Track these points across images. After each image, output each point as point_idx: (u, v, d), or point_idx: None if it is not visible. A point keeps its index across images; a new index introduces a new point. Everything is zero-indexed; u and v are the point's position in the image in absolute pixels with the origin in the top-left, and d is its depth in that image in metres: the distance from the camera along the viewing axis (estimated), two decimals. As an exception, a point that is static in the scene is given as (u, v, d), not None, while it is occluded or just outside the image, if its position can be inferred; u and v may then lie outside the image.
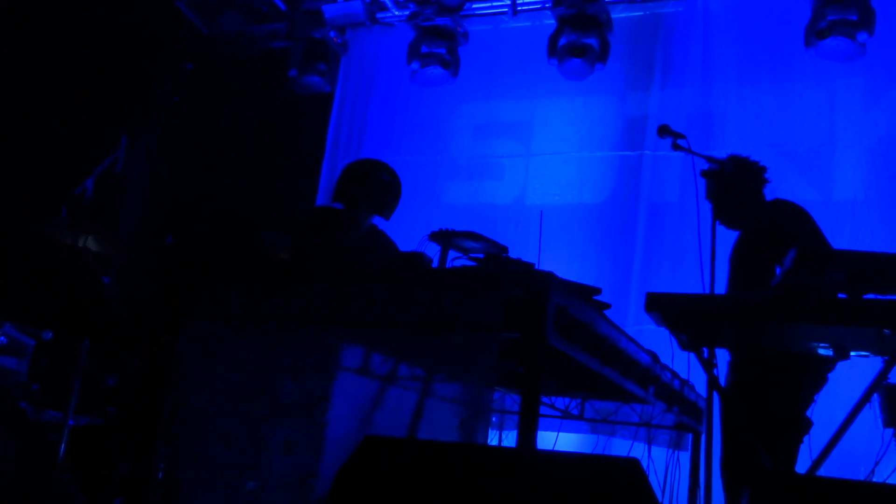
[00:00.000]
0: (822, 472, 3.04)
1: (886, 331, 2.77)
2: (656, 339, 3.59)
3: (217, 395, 2.97)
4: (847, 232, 5.51)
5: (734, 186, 3.47)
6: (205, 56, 7.38)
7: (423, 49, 6.88)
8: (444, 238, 3.53)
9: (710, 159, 3.27)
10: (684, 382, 3.84)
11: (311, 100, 7.42)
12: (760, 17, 6.24)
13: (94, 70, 6.52)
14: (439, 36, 6.87)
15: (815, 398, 3.43)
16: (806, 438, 3.12)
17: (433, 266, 3.29)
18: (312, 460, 2.72)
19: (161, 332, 3.41)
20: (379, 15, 7.37)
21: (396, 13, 7.33)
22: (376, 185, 4.11)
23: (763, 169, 3.75)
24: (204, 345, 3.04)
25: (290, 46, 7.33)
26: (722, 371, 3.28)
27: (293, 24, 7.36)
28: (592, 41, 6.31)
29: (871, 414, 3.14)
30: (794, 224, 3.57)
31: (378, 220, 4.27)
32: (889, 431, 3.04)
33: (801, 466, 3.16)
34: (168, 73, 7.31)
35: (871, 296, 2.83)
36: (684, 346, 3.33)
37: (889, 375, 3.00)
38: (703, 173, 3.61)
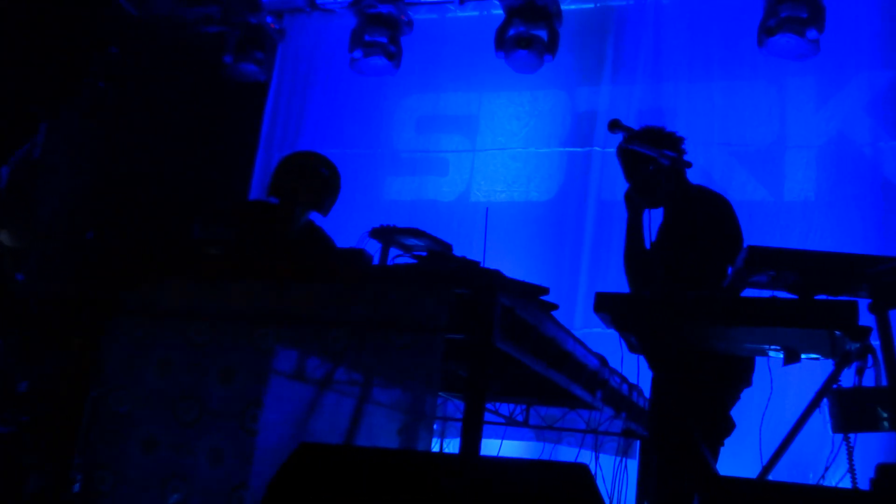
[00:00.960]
0: (772, 476, 3.09)
1: (838, 332, 2.83)
2: (605, 342, 3.61)
3: (140, 398, 2.89)
4: (797, 232, 5.64)
5: (664, 170, 3.49)
6: (133, 40, 7.19)
7: (367, 37, 6.82)
8: (386, 235, 3.51)
9: (662, 155, 3.29)
10: (633, 387, 3.87)
11: (246, 88, 7.30)
12: (713, 13, 6.35)
13: (11, 53, 6.30)
14: (382, 24, 6.82)
15: (740, 397, 3.49)
16: (756, 442, 3.17)
17: (374, 264, 3.25)
18: (242, 470, 2.66)
19: (79, 332, 3.30)
20: (319, 0, 7.28)
21: (338, -1, 7.27)
22: (314, 179, 4.06)
23: (683, 150, 3.78)
24: (127, 345, 2.96)
25: (225, 31, 7.20)
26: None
27: (228, 7, 7.22)
28: (541, 33, 6.34)
29: (821, 418, 3.20)
30: (724, 218, 3.61)
31: (315, 216, 4.21)
32: (839, 436, 3.10)
33: (752, 471, 3.21)
34: (93, 56, 7.10)
35: (821, 297, 2.88)
36: (633, 348, 3.35)
37: (839, 379, 3.07)
38: (626, 152, 3.61)
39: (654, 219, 3.57)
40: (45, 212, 6.48)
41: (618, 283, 4.00)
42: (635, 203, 3.62)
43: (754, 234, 3.65)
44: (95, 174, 6.86)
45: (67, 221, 6.52)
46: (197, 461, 2.74)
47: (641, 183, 3.62)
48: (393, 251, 3.48)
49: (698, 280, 3.47)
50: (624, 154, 3.70)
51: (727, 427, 3.47)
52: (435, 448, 3.35)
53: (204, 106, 7.19)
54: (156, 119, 7.13)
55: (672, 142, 3.71)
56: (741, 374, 3.51)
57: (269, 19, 7.29)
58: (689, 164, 3.66)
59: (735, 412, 3.51)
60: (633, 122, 3.52)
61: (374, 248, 3.49)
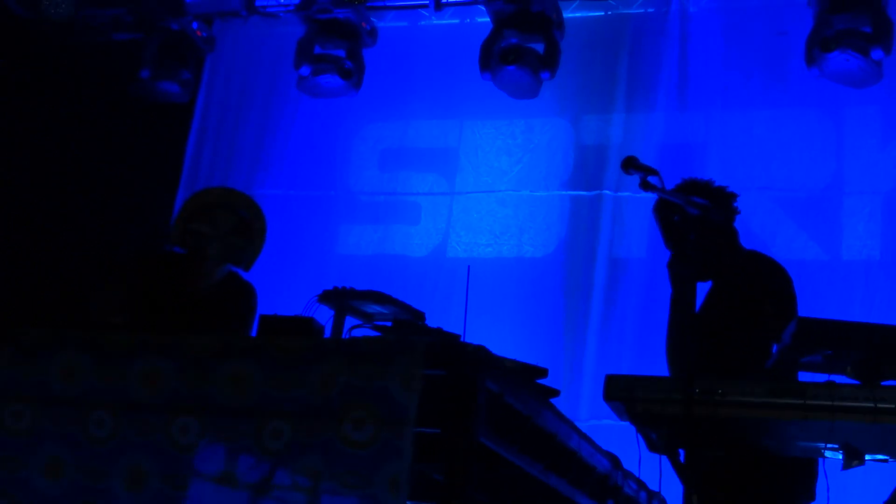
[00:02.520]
0: None
1: (911, 428, 2.88)
2: (618, 437, 3.63)
3: (22, 509, 2.85)
4: (859, 298, 5.73)
5: (710, 230, 3.58)
6: (25, 48, 7.22)
7: (317, 50, 6.90)
8: (340, 299, 3.53)
9: (690, 203, 3.36)
10: (653, 495, 3.89)
11: (166, 109, 7.33)
12: (753, 25, 6.51)
13: None
14: (338, 33, 6.91)
15: None
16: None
17: (325, 336, 3.27)
18: None
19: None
20: (258, 2, 7.37)
21: (282, 1, 7.35)
22: (230, 224, 4.07)
23: (736, 209, 3.90)
24: (7, 439, 2.93)
25: (140, 39, 7.23)
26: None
27: (144, 10, 7.26)
28: (537, 45, 6.45)
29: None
30: (778, 290, 3.71)
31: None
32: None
33: None
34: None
35: (891, 382, 2.94)
36: (653, 447, 3.37)
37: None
38: (664, 210, 3.71)
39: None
40: None
41: (634, 363, 4.05)
42: (678, 273, 3.70)
43: (805, 302, 3.72)
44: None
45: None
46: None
47: (678, 246, 3.70)
48: (349, 321, 3.50)
49: (742, 366, 3.52)
50: (657, 209, 3.79)
51: None
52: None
53: (115, 128, 7.20)
54: (55, 143, 7.14)
55: (718, 195, 3.81)
56: (802, 482, 3.53)
57: (195, 25, 7.33)
58: (728, 217, 3.75)
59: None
60: (653, 159, 3.61)
61: (325, 315, 3.51)
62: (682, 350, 3.69)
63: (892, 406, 2.87)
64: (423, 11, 7.20)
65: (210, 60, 7.57)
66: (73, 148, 7.16)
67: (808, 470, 3.53)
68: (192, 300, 4.07)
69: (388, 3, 7.20)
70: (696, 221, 3.38)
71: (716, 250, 3.66)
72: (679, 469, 3.25)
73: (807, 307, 3.40)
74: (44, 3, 6.99)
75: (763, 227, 5.88)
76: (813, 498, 3.55)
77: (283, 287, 6.55)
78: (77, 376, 2.94)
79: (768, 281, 3.75)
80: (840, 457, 3.22)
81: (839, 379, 3.07)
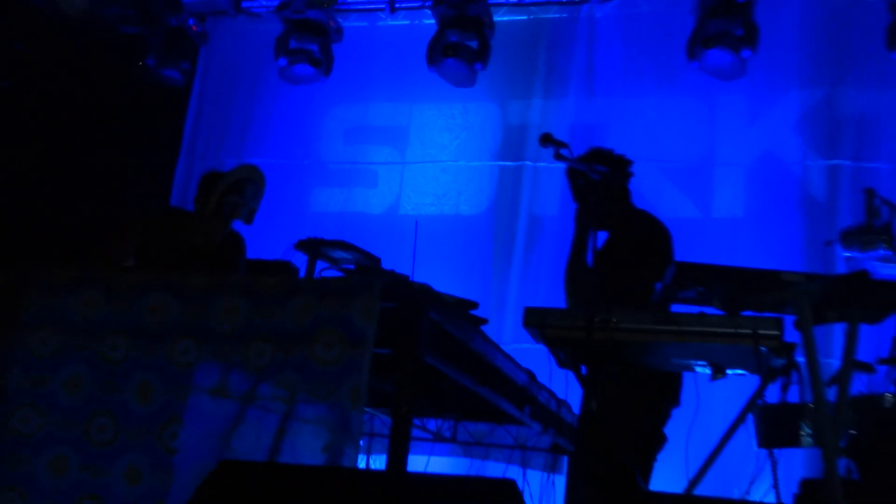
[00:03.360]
0: (699, 491, 3.20)
1: (763, 348, 2.95)
2: (534, 357, 3.68)
3: (49, 417, 2.82)
4: (726, 249, 5.83)
5: (607, 191, 3.62)
6: (43, 37, 7.02)
7: (293, 44, 6.81)
8: (313, 247, 3.51)
9: (592, 170, 3.39)
10: (561, 403, 3.95)
11: (166, 93, 7.19)
12: (646, 28, 6.53)
13: None
14: (310, 31, 6.82)
15: (671, 413, 3.61)
16: (682, 457, 3.27)
17: (300, 276, 3.26)
18: (161, 488, 2.63)
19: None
20: (245, 3, 7.24)
21: (264, 2, 7.23)
22: (252, 194, 4.12)
23: (631, 173, 3.94)
24: (34, 361, 2.89)
25: (144, 33, 7.08)
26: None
27: (147, 7, 7.11)
28: (472, 42, 6.43)
29: (747, 433, 3.33)
30: (659, 241, 3.76)
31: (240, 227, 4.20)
32: (763, 452, 3.22)
33: (678, 486, 3.31)
34: (-1, 57, 6.92)
35: (748, 313, 3.00)
36: (562, 364, 3.43)
37: (764, 394, 3.20)
38: (572, 175, 3.74)
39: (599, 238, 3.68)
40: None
41: (547, 297, 4.10)
42: (580, 223, 3.74)
43: (683, 251, 3.78)
44: (3, 179, 6.67)
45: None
46: (112, 481, 2.69)
47: (583, 201, 3.74)
48: (320, 264, 3.49)
49: (630, 299, 3.57)
50: (568, 174, 3.82)
51: (659, 442, 3.57)
52: (361, 464, 3.36)
53: (121, 109, 7.06)
54: (68, 122, 6.97)
55: (616, 162, 3.84)
56: (671, 393, 3.62)
57: (190, 21, 7.19)
58: (622, 182, 3.79)
59: (663, 428, 3.62)
60: (565, 136, 3.61)
61: (300, 260, 3.49)
62: (580, 283, 3.74)
63: (749, 331, 2.93)
64: (381, 14, 7.11)
65: (204, 52, 7.42)
66: (88, 124, 6.99)
67: (675, 382, 3.61)
68: (202, 248, 4.07)
69: (351, 6, 7.11)
70: (597, 184, 3.42)
71: (611, 206, 3.68)
72: (582, 381, 3.30)
73: (684, 254, 3.45)
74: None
75: (651, 191, 5.91)
76: (678, 403, 3.63)
77: (266, 237, 6.50)
78: (95, 308, 2.91)
79: (651, 233, 3.80)
80: (708, 371, 3.29)
81: (708, 310, 3.13)
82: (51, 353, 2.90)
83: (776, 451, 3.18)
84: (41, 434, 2.81)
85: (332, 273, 3.34)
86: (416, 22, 6.97)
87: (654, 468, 3.54)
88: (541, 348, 3.32)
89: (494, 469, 4.63)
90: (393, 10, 6.96)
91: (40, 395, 2.85)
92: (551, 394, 3.82)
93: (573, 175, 3.78)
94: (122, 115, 7.06)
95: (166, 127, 7.24)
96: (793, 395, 3.11)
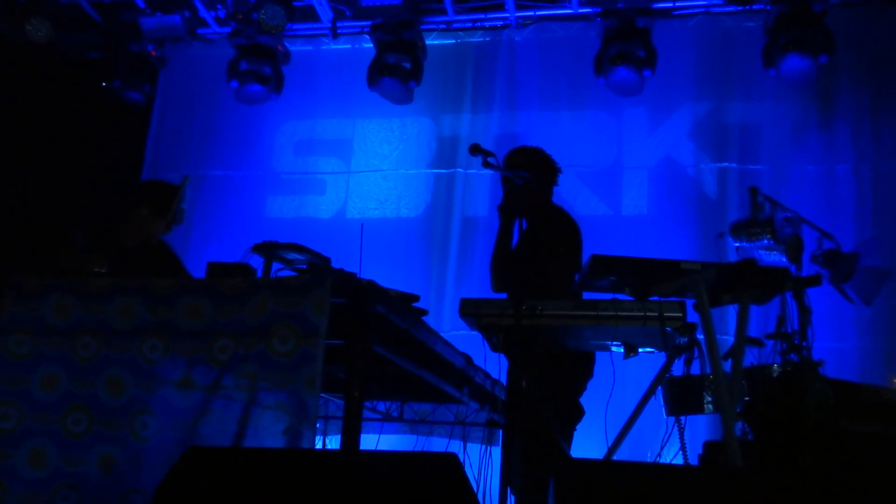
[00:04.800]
0: (617, 457, 3.24)
1: (669, 329, 3.00)
2: (470, 342, 3.68)
3: (26, 412, 2.72)
4: (633, 242, 5.92)
5: (528, 191, 3.63)
6: (10, 64, 6.76)
7: (244, 66, 6.69)
8: (268, 250, 3.44)
9: (517, 175, 3.40)
10: (496, 382, 3.95)
11: (129, 113, 7.00)
12: (560, 49, 6.58)
13: None
14: (260, 55, 6.71)
15: (587, 387, 3.65)
16: (601, 427, 3.31)
17: (257, 276, 3.19)
18: (133, 475, 2.55)
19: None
20: (200, 31, 7.08)
21: (217, 29, 7.09)
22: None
23: (557, 170, 3.96)
24: (11, 361, 2.78)
25: (106, 58, 6.87)
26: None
27: (108, 34, 6.90)
28: (406, 64, 6.41)
29: (657, 404, 3.37)
30: (571, 233, 3.79)
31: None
32: (672, 419, 3.27)
33: (598, 453, 3.34)
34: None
35: (655, 298, 3.05)
36: (495, 348, 3.43)
37: (671, 369, 3.25)
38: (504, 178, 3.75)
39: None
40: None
41: (481, 289, 4.09)
42: (504, 213, 3.75)
43: (597, 245, 3.82)
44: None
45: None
46: (87, 470, 2.61)
47: (508, 196, 3.75)
48: (275, 265, 3.43)
49: (549, 283, 3.59)
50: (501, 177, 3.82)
51: (578, 414, 3.61)
52: (318, 445, 3.31)
53: (88, 129, 6.85)
54: (36, 141, 6.73)
55: (543, 161, 3.86)
56: (586, 368, 3.65)
57: (150, 47, 7.01)
58: (544, 181, 3.80)
59: (583, 401, 3.66)
60: (491, 146, 3.61)
61: (257, 262, 3.42)
62: (504, 266, 3.74)
63: (656, 314, 2.97)
64: (324, 39, 7.02)
65: (163, 75, 7.22)
66: (57, 144, 6.76)
67: (589, 358, 3.65)
68: (141, 252, 4.02)
69: (297, 32, 7.00)
70: (519, 187, 3.44)
71: (531, 203, 3.68)
72: (513, 362, 3.31)
73: (598, 248, 3.47)
74: (27, 28, 6.52)
75: (568, 193, 5.94)
76: (592, 375, 3.66)
77: (225, 242, 6.38)
78: (67, 311, 2.81)
79: (563, 227, 3.82)
80: (622, 350, 3.33)
81: (620, 297, 3.17)
82: (27, 353, 2.80)
83: (683, 418, 3.23)
84: (20, 429, 2.71)
85: (287, 273, 3.28)
86: (357, 46, 6.91)
87: (573, 436, 3.57)
88: (476, 335, 3.32)
89: (438, 444, 4.62)
90: (335, 35, 6.88)
91: (18, 393, 2.75)
92: (486, 374, 3.83)
93: (504, 179, 3.78)
94: (88, 134, 6.84)
95: (130, 144, 7.04)
96: (695, 369, 3.16)
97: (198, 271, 4.27)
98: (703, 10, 6.38)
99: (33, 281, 2.89)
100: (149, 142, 7.11)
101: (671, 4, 6.34)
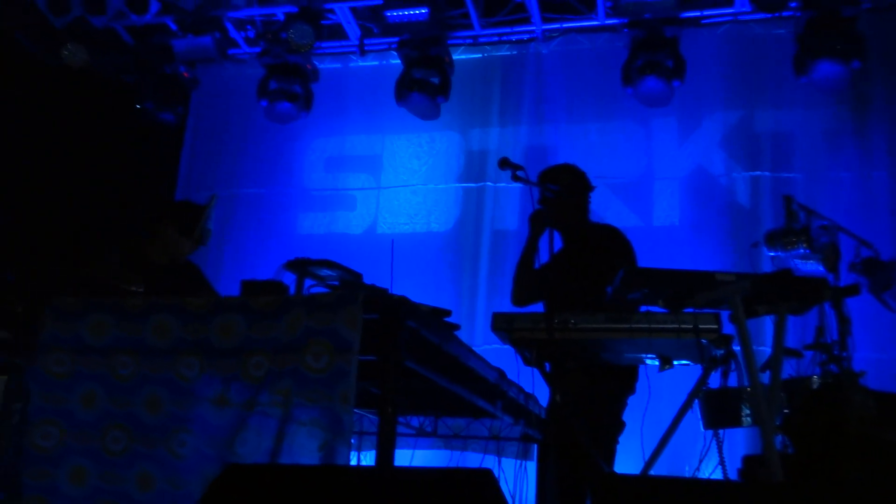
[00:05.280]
0: (654, 471, 3.19)
1: (704, 341, 2.96)
2: (503, 356, 3.66)
3: (67, 431, 2.75)
4: (666, 253, 5.86)
5: (562, 204, 3.60)
6: (49, 88, 6.93)
7: (274, 86, 6.78)
8: (301, 267, 3.46)
9: (547, 188, 3.39)
10: (529, 396, 3.93)
11: (162, 133, 7.13)
12: (587, 61, 6.58)
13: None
14: (290, 73, 6.79)
15: (627, 403, 3.60)
16: (638, 441, 3.26)
17: (290, 293, 3.21)
18: (172, 492, 2.57)
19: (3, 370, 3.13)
20: (230, 51, 7.18)
21: (247, 50, 7.19)
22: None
23: (591, 187, 3.92)
24: (51, 381, 2.82)
25: (140, 80, 7.01)
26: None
27: (142, 57, 7.05)
28: (434, 79, 6.44)
29: (694, 417, 3.33)
30: (623, 248, 3.74)
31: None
32: (710, 432, 3.22)
33: (635, 467, 3.30)
34: (8, 106, 6.81)
35: (689, 310, 3.01)
36: (528, 362, 3.41)
37: (707, 381, 3.21)
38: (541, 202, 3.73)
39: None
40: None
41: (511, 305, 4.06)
42: (534, 221, 3.72)
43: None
44: (14, 220, 6.56)
45: (-13, 263, 6.19)
46: (127, 488, 2.63)
47: (541, 207, 3.73)
48: (307, 282, 3.45)
49: (584, 296, 3.55)
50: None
51: (619, 429, 3.55)
52: (353, 461, 3.32)
53: (121, 150, 6.98)
54: (74, 163, 6.88)
55: (575, 177, 3.83)
56: (627, 384, 3.61)
57: (182, 68, 7.13)
58: (578, 195, 3.77)
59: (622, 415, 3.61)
60: (519, 159, 3.61)
61: (289, 279, 3.45)
62: (527, 284, 3.72)
63: (691, 326, 2.93)
64: (352, 56, 7.09)
65: (195, 95, 7.35)
66: (94, 164, 6.91)
67: (631, 373, 3.60)
68: (168, 270, 4.07)
69: (326, 50, 7.08)
70: (550, 200, 3.43)
71: (563, 216, 3.65)
72: (546, 377, 3.29)
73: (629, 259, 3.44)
74: (64, 53, 6.68)
75: (598, 205, 5.87)
76: (633, 391, 3.62)
77: (258, 259, 6.45)
78: (104, 331, 2.85)
79: (610, 241, 3.77)
80: (657, 363, 3.29)
81: (654, 309, 3.13)
82: (66, 373, 2.84)
83: (721, 432, 3.18)
84: (61, 448, 2.75)
85: (319, 289, 3.30)
86: (384, 62, 6.97)
87: (615, 451, 3.52)
88: (508, 349, 3.30)
89: (473, 459, 4.60)
90: (363, 52, 6.96)
91: (59, 412, 2.79)
92: (520, 389, 3.80)
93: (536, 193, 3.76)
94: (124, 154, 6.98)
95: (164, 164, 7.17)
96: (732, 381, 3.11)
97: (231, 289, 4.31)
98: (731, 18, 6.34)
99: (71, 301, 2.94)
100: (182, 161, 7.22)
101: (699, 13, 6.31)
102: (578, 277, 3.57)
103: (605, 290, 3.36)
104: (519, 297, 3.80)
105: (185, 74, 7.16)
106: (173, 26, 6.92)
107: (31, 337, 2.88)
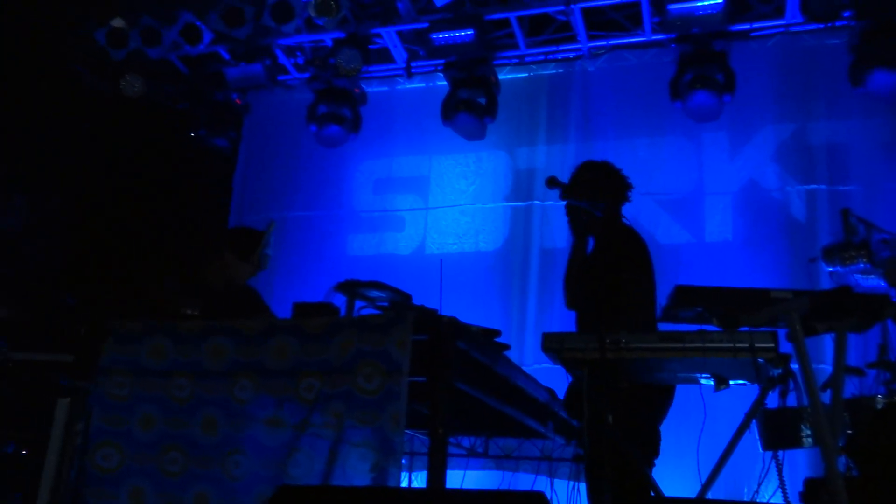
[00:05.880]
0: (711, 495, 3.12)
1: (761, 360, 2.89)
2: (554, 376, 3.63)
3: (127, 452, 2.81)
4: (719, 270, 5.76)
5: (603, 220, 3.56)
6: (108, 117, 7.17)
7: (323, 110, 6.88)
8: (351, 288, 3.50)
9: (595, 206, 3.36)
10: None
11: (215, 158, 7.29)
12: (634, 77, 6.53)
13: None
14: (338, 97, 6.89)
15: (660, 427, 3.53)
16: (694, 463, 3.19)
17: (341, 315, 3.24)
18: (226, 514, 2.60)
19: (61, 393, 3.22)
20: (280, 77, 7.33)
21: (297, 76, 7.33)
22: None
23: (627, 185, 3.87)
24: (111, 403, 2.89)
25: (194, 107, 7.21)
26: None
27: (196, 86, 7.24)
28: (481, 99, 6.46)
29: (752, 438, 3.24)
30: (631, 255, 3.67)
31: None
32: (769, 454, 3.14)
33: (691, 491, 3.23)
34: (70, 136, 7.06)
35: (745, 328, 2.95)
36: (578, 381, 3.37)
37: (765, 401, 3.13)
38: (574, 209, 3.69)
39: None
40: (28, 279, 6.34)
41: (562, 322, 4.04)
42: (577, 231, 3.71)
43: (680, 274, 3.74)
44: (76, 244, 6.77)
45: (49, 287, 6.39)
46: (183, 508, 2.67)
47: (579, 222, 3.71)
48: (358, 303, 3.48)
49: (613, 302, 3.48)
50: (567, 208, 3.78)
51: (658, 440, 3.48)
52: (404, 482, 3.31)
53: (176, 176, 7.17)
54: (131, 189, 7.08)
55: (613, 177, 3.79)
56: (667, 396, 3.54)
57: (234, 95, 7.31)
58: (617, 211, 3.74)
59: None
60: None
61: (340, 301, 3.48)
62: (572, 287, 3.70)
63: (747, 346, 2.87)
64: (399, 79, 7.17)
65: (247, 121, 7.52)
66: (151, 190, 7.11)
67: (670, 392, 3.53)
68: (226, 294, 4.14)
69: (373, 74, 7.17)
70: (597, 218, 3.41)
71: (602, 224, 3.63)
72: (596, 397, 3.23)
73: (681, 277, 3.39)
74: (121, 84, 6.91)
75: (648, 221, 5.89)
76: (665, 415, 3.53)
77: (308, 281, 6.53)
78: (162, 354, 2.91)
79: (627, 244, 3.71)
80: (712, 383, 3.22)
81: (707, 328, 3.08)
82: (125, 395, 2.90)
83: (781, 453, 3.10)
84: (121, 469, 2.81)
85: (369, 311, 3.32)
86: (431, 84, 7.02)
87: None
88: (559, 369, 3.27)
89: (524, 480, 4.56)
90: (409, 75, 7.02)
91: (119, 433, 2.85)
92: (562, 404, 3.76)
93: (573, 211, 3.73)
94: (179, 180, 7.17)
95: (218, 188, 7.33)
96: (791, 401, 3.03)
97: (282, 311, 4.39)
98: (782, 30, 6.24)
99: (130, 325, 3.01)
100: (235, 185, 7.37)
101: (748, 26, 6.22)
102: (591, 281, 3.50)
103: (645, 298, 3.28)
104: (571, 299, 3.76)
105: (237, 101, 7.33)
106: (226, 55, 7.09)
107: (93, 360, 2.96)
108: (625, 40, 6.58)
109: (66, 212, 7.01)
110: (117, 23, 6.77)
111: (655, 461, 3.47)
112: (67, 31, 6.96)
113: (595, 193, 3.56)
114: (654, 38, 6.46)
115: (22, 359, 4.39)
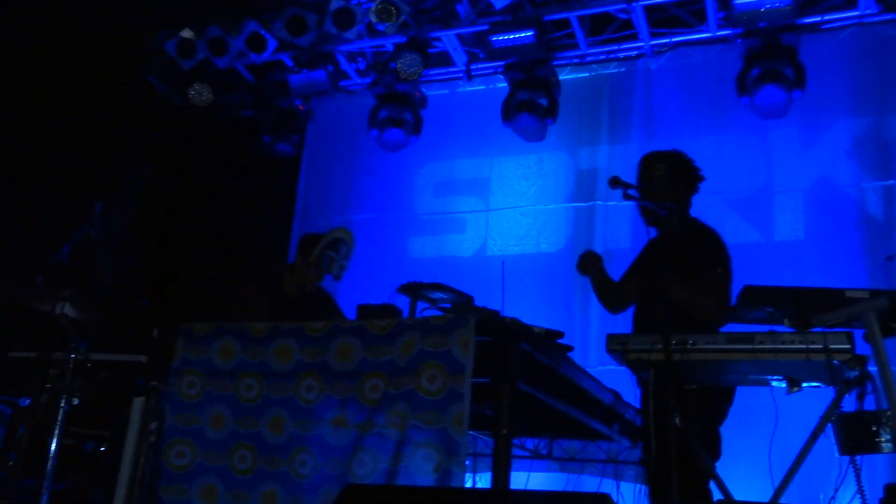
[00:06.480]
0: (784, 500, 3.03)
1: (836, 361, 2.80)
2: (619, 378, 3.58)
3: (199, 451, 2.89)
4: (790, 269, 5.59)
5: (671, 219, 3.47)
6: (177, 126, 7.38)
7: (384, 114, 6.94)
8: (413, 290, 3.52)
9: (662, 206, 3.30)
10: (647, 419, 3.81)
11: (280, 164, 7.43)
12: (698, 74, 6.40)
13: (70, 142, 6.47)
14: (399, 101, 6.94)
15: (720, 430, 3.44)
16: (766, 468, 3.11)
17: (404, 317, 3.26)
18: (294, 512, 2.64)
19: (137, 393, 3.32)
20: (342, 83, 7.43)
21: (358, 81, 7.42)
22: (344, 252, 4.34)
23: (699, 178, 3.78)
24: (184, 402, 2.97)
25: (259, 114, 7.36)
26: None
27: (261, 93, 7.40)
28: (542, 100, 6.42)
29: (827, 442, 3.14)
30: (715, 250, 3.57)
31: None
32: (846, 459, 3.03)
33: (764, 496, 3.14)
34: (141, 143, 7.30)
35: (818, 329, 2.86)
36: (644, 383, 3.32)
37: (841, 404, 3.02)
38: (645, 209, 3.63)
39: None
40: (105, 284, 6.56)
41: (625, 323, 3.98)
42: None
43: (749, 274, 3.62)
44: (149, 248, 6.98)
45: (125, 291, 6.61)
46: (252, 506, 2.73)
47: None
48: (420, 305, 3.50)
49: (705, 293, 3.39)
50: (639, 208, 3.71)
51: (720, 446, 3.39)
52: (468, 483, 3.31)
53: (242, 182, 7.33)
54: (200, 195, 7.27)
55: (684, 166, 3.71)
56: (728, 396, 3.45)
57: (297, 102, 7.44)
58: (684, 211, 3.66)
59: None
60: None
61: (402, 302, 3.51)
62: (609, 296, 3.77)
63: (820, 347, 2.80)
64: (459, 81, 7.18)
65: (310, 127, 7.64)
66: (218, 195, 7.29)
67: (731, 393, 3.44)
68: (295, 295, 4.20)
69: (433, 77, 7.20)
70: (664, 217, 3.35)
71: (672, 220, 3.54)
72: (663, 399, 3.17)
73: (751, 278, 3.30)
74: (190, 93, 7.11)
75: (715, 221, 5.67)
76: (725, 416, 3.45)
77: (371, 283, 6.59)
78: (231, 354, 2.98)
79: (701, 238, 3.62)
80: (784, 385, 3.14)
81: (778, 328, 3.00)
82: (197, 394, 2.98)
83: (858, 458, 2.99)
84: (193, 466, 2.88)
85: (432, 312, 3.34)
86: (491, 86, 7.02)
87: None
88: (624, 370, 3.23)
89: (589, 482, 4.51)
90: (470, 77, 7.03)
91: (191, 432, 2.93)
92: (637, 411, 3.70)
93: (645, 211, 3.68)
94: (245, 185, 7.33)
95: (283, 193, 7.46)
96: (869, 404, 2.92)
97: (346, 313, 4.45)
98: (855, 21, 6.03)
99: (201, 326, 3.09)
100: (299, 190, 7.49)
101: (819, 18, 6.03)
102: (656, 272, 3.41)
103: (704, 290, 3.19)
104: (609, 309, 3.72)
105: (301, 107, 7.46)
106: (289, 62, 7.22)
107: (166, 360, 3.05)
108: (689, 37, 6.45)
109: (140, 218, 7.24)
110: (186, 34, 6.97)
111: (716, 464, 3.38)
112: (140, 44, 7.20)
113: (666, 187, 3.49)
114: (719, 34, 6.32)
115: (99, 359, 4.54)
